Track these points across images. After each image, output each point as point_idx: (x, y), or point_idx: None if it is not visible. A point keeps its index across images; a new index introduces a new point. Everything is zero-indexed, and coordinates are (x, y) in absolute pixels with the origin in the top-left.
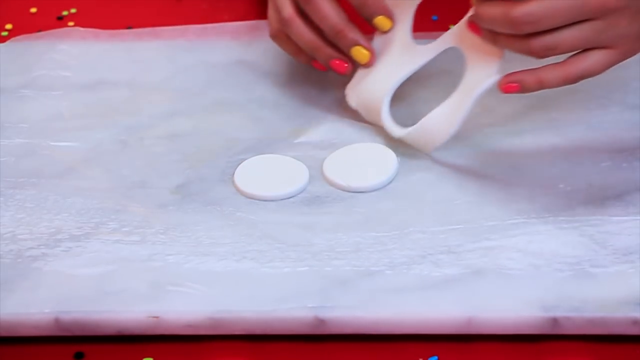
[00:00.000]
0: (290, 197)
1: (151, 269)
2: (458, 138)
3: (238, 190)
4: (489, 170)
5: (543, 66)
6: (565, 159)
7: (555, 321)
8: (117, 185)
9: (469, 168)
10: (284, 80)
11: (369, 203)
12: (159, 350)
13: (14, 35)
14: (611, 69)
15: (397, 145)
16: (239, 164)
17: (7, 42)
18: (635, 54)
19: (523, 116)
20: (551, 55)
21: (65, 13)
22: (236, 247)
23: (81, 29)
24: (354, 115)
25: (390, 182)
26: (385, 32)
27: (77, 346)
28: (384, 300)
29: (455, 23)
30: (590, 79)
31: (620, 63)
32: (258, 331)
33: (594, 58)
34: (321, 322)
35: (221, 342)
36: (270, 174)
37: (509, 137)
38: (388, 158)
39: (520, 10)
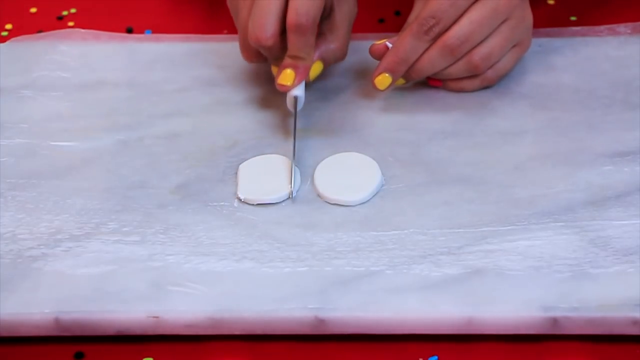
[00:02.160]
0: (289, 199)
1: (151, 269)
2: (458, 138)
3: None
4: (490, 171)
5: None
6: (566, 160)
7: (555, 321)
8: (117, 185)
9: (469, 169)
10: None
11: (369, 203)
12: (159, 350)
13: (14, 35)
14: (613, 69)
15: (397, 146)
16: (239, 164)
17: (7, 42)
18: (529, 46)
19: (524, 116)
20: (490, 64)
21: (65, 13)
22: (236, 247)
23: (81, 30)
24: (354, 115)
25: (372, 197)
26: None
27: (77, 346)
28: (384, 300)
29: None
30: (591, 79)
31: (622, 63)
32: (258, 331)
33: (507, 58)
34: (321, 322)
35: (221, 342)
36: (271, 175)
37: (510, 137)
38: (373, 172)
39: (451, 37)
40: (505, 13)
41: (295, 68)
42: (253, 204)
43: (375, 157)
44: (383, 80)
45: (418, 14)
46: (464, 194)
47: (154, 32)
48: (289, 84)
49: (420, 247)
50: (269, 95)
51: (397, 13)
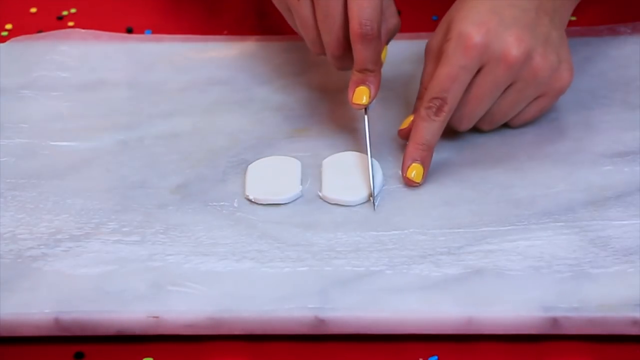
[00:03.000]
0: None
1: (151, 269)
2: (458, 138)
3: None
4: (490, 171)
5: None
6: (566, 160)
7: (555, 321)
8: (117, 185)
9: (469, 169)
10: (284, 81)
11: (369, 203)
12: (159, 350)
13: (14, 35)
14: (613, 69)
15: (397, 146)
16: (239, 164)
17: (7, 42)
18: (558, 93)
19: None
20: (499, 124)
21: (65, 13)
22: (236, 247)
23: (81, 30)
24: (354, 115)
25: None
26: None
27: (77, 346)
28: (384, 300)
29: None
30: (591, 79)
31: (622, 63)
32: (258, 331)
33: (528, 110)
34: (321, 322)
35: (221, 342)
36: (273, 176)
37: (510, 137)
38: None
39: (462, 114)
40: (506, 78)
41: (367, 83)
42: (263, 204)
43: (375, 157)
44: (416, 171)
45: (425, 95)
46: (464, 194)
47: (154, 32)
48: (365, 102)
49: (420, 247)
50: (269, 95)
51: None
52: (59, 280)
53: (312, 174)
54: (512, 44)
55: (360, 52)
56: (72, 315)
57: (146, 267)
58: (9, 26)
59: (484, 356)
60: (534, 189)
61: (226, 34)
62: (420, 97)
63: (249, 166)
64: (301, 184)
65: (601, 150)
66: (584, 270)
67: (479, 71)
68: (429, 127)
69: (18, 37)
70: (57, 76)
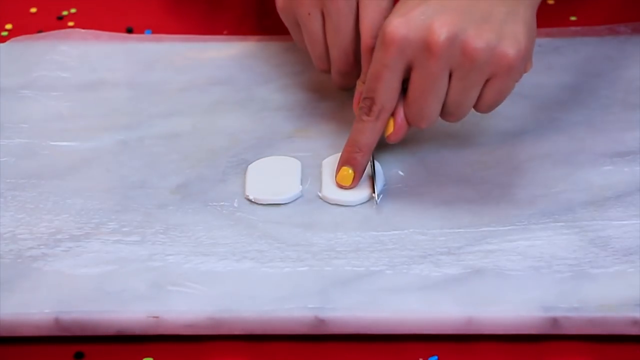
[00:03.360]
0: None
1: (151, 269)
2: (459, 138)
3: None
4: (490, 171)
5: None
6: (566, 160)
7: (555, 321)
8: (117, 185)
9: (468, 169)
10: (284, 81)
11: (369, 203)
12: (159, 350)
13: (14, 35)
14: (613, 69)
15: (397, 146)
16: (239, 164)
17: (7, 42)
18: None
19: (524, 116)
20: (463, 112)
21: (65, 13)
22: (236, 247)
23: (81, 30)
24: (354, 115)
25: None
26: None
27: (77, 346)
28: (384, 300)
29: None
30: (591, 79)
31: (622, 63)
32: (258, 331)
33: (487, 94)
34: (321, 322)
35: (221, 342)
36: (273, 176)
37: (510, 137)
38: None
39: (403, 118)
40: (441, 70)
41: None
42: (263, 204)
43: (375, 157)
44: (345, 175)
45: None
46: (464, 194)
47: (154, 32)
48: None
49: (420, 247)
50: (269, 95)
51: None
52: (59, 280)
53: (312, 174)
54: (434, 32)
55: (367, 63)
56: (72, 315)
57: (146, 267)
58: (9, 26)
59: (484, 356)
60: (534, 189)
61: (226, 34)
62: None
63: (249, 166)
64: (301, 184)
65: (601, 150)
66: (584, 270)
67: (413, 67)
68: (361, 129)
69: (18, 37)
70: (57, 76)
